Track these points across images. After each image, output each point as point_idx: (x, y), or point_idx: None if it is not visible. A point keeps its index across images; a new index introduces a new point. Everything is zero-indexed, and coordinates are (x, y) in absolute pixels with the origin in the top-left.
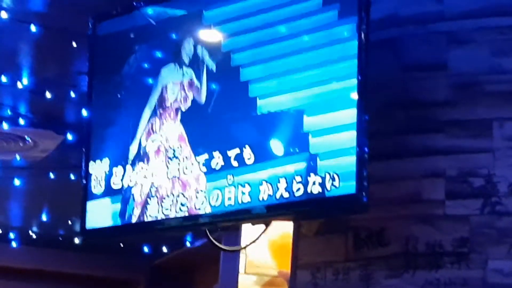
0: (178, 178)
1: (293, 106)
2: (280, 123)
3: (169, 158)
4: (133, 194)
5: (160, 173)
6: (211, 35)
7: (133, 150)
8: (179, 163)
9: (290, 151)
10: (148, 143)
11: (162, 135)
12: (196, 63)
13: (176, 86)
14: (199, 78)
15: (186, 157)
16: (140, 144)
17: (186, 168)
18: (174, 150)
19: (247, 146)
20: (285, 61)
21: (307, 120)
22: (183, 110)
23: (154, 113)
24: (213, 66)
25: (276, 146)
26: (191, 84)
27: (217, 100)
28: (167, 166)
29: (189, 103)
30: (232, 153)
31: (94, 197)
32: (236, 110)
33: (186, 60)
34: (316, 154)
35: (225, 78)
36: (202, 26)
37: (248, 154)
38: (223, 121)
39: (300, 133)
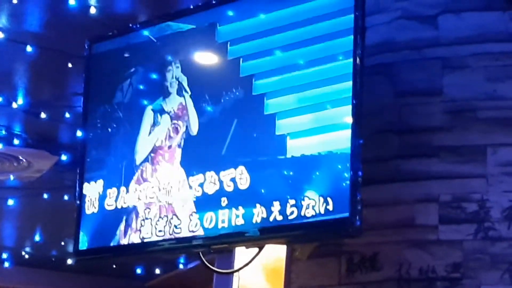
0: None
1: (335, 149)
2: (316, 169)
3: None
4: (127, 216)
5: (154, 196)
6: (225, 55)
7: (127, 171)
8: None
9: (332, 207)
10: (137, 192)
11: (154, 182)
12: (196, 90)
13: (167, 121)
14: (196, 106)
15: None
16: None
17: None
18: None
19: (274, 203)
20: (322, 91)
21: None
22: (179, 146)
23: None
24: (228, 95)
25: (313, 200)
26: (183, 115)
27: (232, 139)
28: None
29: (180, 138)
30: (258, 212)
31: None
32: (258, 151)
33: (181, 88)
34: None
35: (243, 110)
36: (215, 44)
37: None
38: (235, 162)
39: (343, 185)
